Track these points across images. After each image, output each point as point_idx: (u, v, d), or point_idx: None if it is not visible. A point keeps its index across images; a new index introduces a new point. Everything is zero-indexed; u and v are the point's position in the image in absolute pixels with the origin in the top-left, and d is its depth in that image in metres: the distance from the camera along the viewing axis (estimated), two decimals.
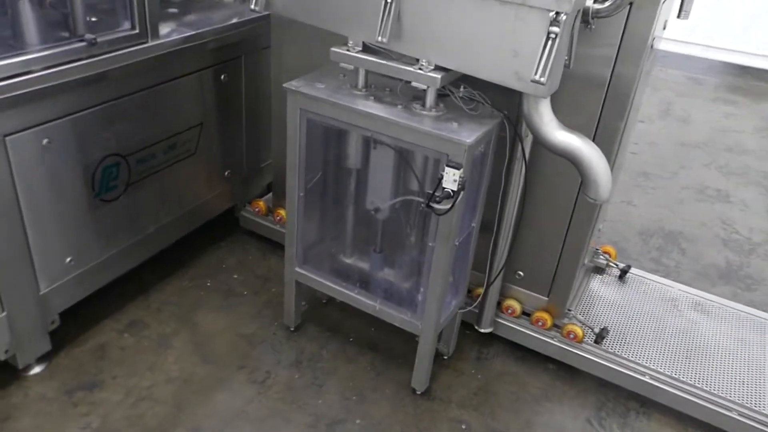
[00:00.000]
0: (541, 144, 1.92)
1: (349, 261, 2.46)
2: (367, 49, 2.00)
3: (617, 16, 1.89)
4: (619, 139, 2.18)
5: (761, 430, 2.17)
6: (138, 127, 2.36)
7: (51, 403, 2.18)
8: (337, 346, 2.55)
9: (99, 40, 2.05)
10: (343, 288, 2.36)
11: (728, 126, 5.08)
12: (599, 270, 2.91)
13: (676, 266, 3.27)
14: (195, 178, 2.77)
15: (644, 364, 2.37)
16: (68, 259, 2.25)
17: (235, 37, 2.62)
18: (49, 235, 2.15)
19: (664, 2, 1.96)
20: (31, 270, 2.13)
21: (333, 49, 2.01)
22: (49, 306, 2.24)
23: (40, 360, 2.30)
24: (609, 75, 2.04)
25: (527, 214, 2.33)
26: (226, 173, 2.95)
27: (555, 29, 1.64)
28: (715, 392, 2.28)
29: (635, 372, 2.35)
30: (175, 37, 2.34)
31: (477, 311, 2.52)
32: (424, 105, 1.99)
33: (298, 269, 2.42)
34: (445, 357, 2.52)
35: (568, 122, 1.92)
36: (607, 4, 1.83)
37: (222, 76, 2.68)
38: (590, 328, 2.48)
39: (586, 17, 1.84)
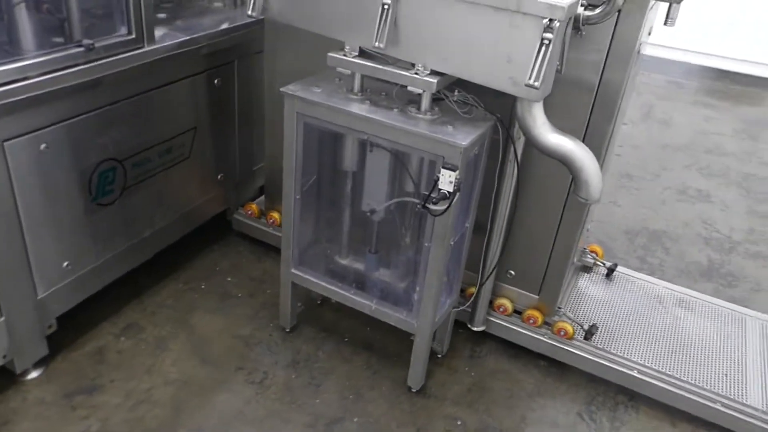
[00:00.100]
0: (534, 146, 1.98)
1: (344, 262, 2.49)
2: (363, 53, 2.05)
3: (606, 23, 1.96)
4: (608, 141, 2.25)
5: (744, 420, 2.26)
6: (133, 132, 2.38)
7: (50, 407, 2.19)
8: (332, 346, 2.59)
9: (95, 45, 2.07)
10: (339, 289, 2.39)
11: (708, 129, 5.21)
12: (587, 269, 2.98)
13: (660, 264, 3.35)
14: (189, 182, 2.79)
15: (632, 359, 2.44)
16: (65, 264, 2.26)
17: (228, 42, 2.65)
18: (46, 240, 2.16)
19: (650, 9, 2.04)
20: (29, 274, 2.13)
21: (330, 54, 2.05)
22: (47, 310, 2.25)
23: (37, 364, 2.30)
24: (598, 80, 2.11)
25: (519, 215, 2.39)
26: (219, 177, 2.97)
27: (548, 36, 1.70)
28: (699, 385, 2.36)
29: (623, 367, 2.42)
30: (170, 42, 2.36)
31: (470, 310, 2.58)
32: (419, 108, 2.04)
33: (294, 271, 2.45)
34: (439, 355, 2.57)
35: (558, 125, 1.98)
36: (597, 11, 1.90)
37: (215, 81, 2.71)
38: (580, 325, 2.54)
39: (577, 24, 1.91)
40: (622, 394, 2.47)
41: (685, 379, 2.37)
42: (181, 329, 2.60)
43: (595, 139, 2.19)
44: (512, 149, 2.19)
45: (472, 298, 2.52)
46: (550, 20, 1.69)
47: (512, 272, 2.55)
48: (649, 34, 2.29)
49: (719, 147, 4.87)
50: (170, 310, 2.69)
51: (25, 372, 2.27)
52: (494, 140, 2.18)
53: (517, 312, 2.60)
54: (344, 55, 2.04)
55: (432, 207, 1.96)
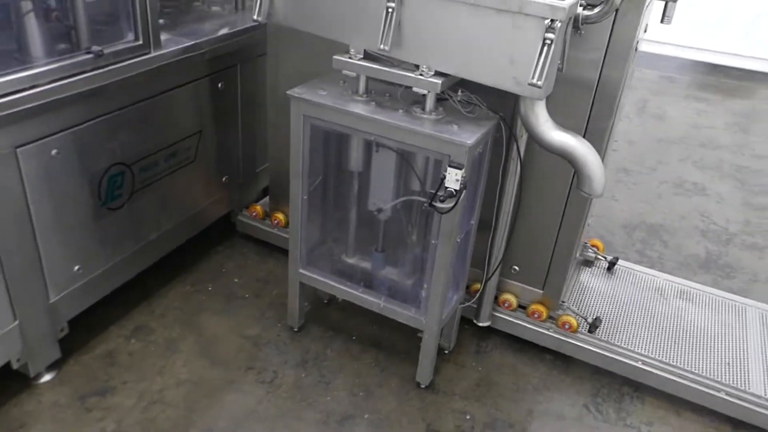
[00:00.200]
0: (537, 143, 2.02)
1: (351, 261, 2.53)
2: (367, 56, 2.08)
3: (604, 22, 2.01)
4: (608, 137, 2.29)
5: (748, 408, 2.31)
6: (141, 136, 2.41)
7: (65, 410, 2.21)
8: (340, 344, 2.63)
9: (104, 51, 2.09)
10: (348, 287, 2.43)
11: (701, 122, 5.28)
12: (588, 263, 3.03)
13: (659, 257, 3.41)
14: (194, 185, 2.82)
15: (636, 350, 2.49)
16: (76, 268, 2.29)
17: (231, 46, 2.68)
18: (58, 244, 2.18)
19: (647, 7, 2.08)
20: (41, 279, 2.16)
21: (336, 57, 2.08)
22: (59, 314, 2.27)
23: (50, 368, 2.32)
24: (597, 77, 2.16)
25: (522, 211, 2.43)
26: (224, 179, 3.00)
27: (550, 36, 1.74)
28: (703, 374, 2.40)
29: (628, 358, 2.46)
30: (175, 47, 2.39)
31: (475, 306, 2.62)
32: (424, 109, 2.08)
33: (302, 271, 2.49)
34: (446, 351, 2.61)
35: (560, 122, 2.02)
36: (595, 10, 1.95)
37: (219, 84, 2.74)
38: (584, 318, 2.59)
39: (576, 23, 1.95)
40: (627, 385, 2.52)
41: (689, 369, 2.42)
42: (190, 331, 2.63)
43: (596, 135, 2.23)
44: (515, 147, 2.23)
45: (477, 294, 2.56)
46: (552, 21, 1.73)
47: (516, 268, 2.59)
48: (645, 31, 2.34)
49: (713, 140, 4.94)
50: (178, 312, 2.72)
51: (39, 375, 2.30)
52: (496, 138, 2.22)
53: (522, 307, 2.64)
54: (349, 58, 2.07)
55: (439, 205, 2.00)
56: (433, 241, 2.15)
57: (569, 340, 2.54)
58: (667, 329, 2.63)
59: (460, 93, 2.12)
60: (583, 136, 2.20)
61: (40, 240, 2.10)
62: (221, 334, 2.63)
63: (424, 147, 2.03)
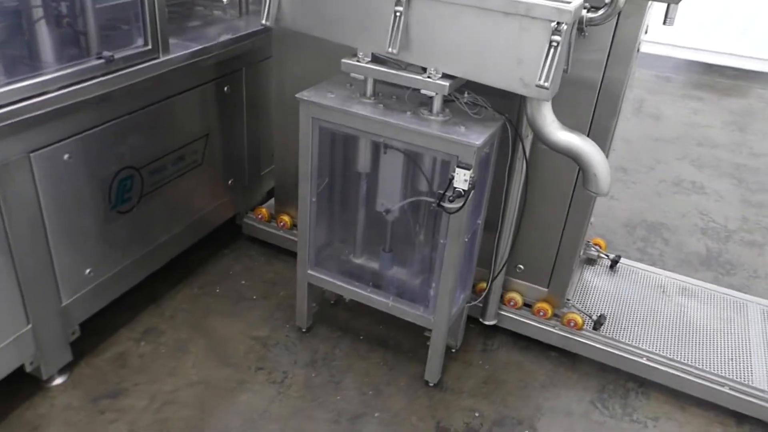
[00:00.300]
0: (544, 143, 2.06)
1: (359, 261, 2.56)
2: (375, 59, 2.11)
3: (607, 24, 2.04)
4: (611, 136, 2.33)
5: (752, 402, 2.34)
6: (150, 140, 2.43)
7: (78, 412, 2.23)
8: (348, 344, 2.65)
9: (115, 57, 2.12)
10: (356, 288, 2.46)
11: (697, 121, 5.33)
12: (591, 261, 3.07)
13: (660, 255, 3.45)
14: (201, 188, 2.84)
15: (640, 346, 2.52)
16: (87, 271, 2.31)
17: (238, 50, 2.71)
18: (69, 248, 2.20)
19: (648, 9, 2.12)
20: (53, 282, 2.18)
21: (344, 60, 2.11)
22: (71, 317, 2.29)
23: (62, 371, 2.34)
24: (600, 78, 2.20)
25: (527, 210, 2.46)
26: (230, 182, 3.02)
27: (557, 38, 1.78)
28: (707, 370, 2.44)
29: (633, 355, 2.50)
30: (183, 52, 2.42)
31: (481, 305, 2.65)
32: (431, 111, 2.11)
33: (310, 272, 2.51)
34: (453, 350, 2.64)
35: (564, 122, 2.06)
36: (599, 12, 1.98)
37: (225, 88, 2.77)
38: (588, 315, 2.62)
39: (580, 25, 1.99)
40: (632, 381, 2.55)
41: (693, 364, 2.45)
42: (199, 332, 2.65)
43: (599, 134, 2.26)
44: (521, 147, 2.26)
45: (484, 293, 2.59)
46: (558, 23, 1.77)
47: (521, 266, 2.63)
48: (646, 32, 2.38)
49: (709, 139, 4.99)
50: (187, 314, 2.74)
51: (51, 378, 2.31)
52: (501, 139, 2.25)
53: (527, 305, 2.67)
54: (357, 61, 2.10)
55: (447, 205, 2.03)
56: (441, 241, 2.18)
57: (574, 338, 2.57)
58: (671, 326, 2.67)
59: (466, 95, 2.16)
60: (587, 136, 2.25)
61: (53, 244, 2.12)
62: (230, 335, 2.65)
63: (432, 148, 2.06)
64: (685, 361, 2.47)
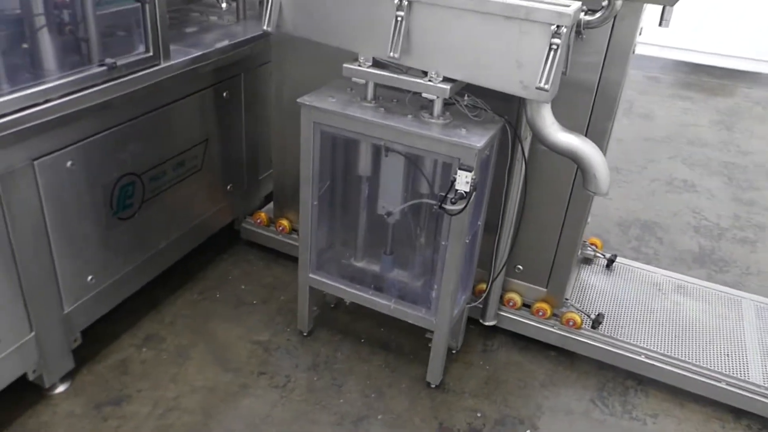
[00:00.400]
0: (544, 145, 2.09)
1: (360, 264, 2.57)
2: (376, 63, 2.13)
3: (604, 27, 2.08)
4: (608, 137, 2.37)
5: (748, 396, 2.38)
6: (150, 146, 2.44)
7: (81, 419, 2.23)
8: (350, 347, 2.66)
9: (117, 63, 2.12)
10: (358, 290, 2.47)
11: (687, 121, 5.40)
12: (588, 261, 3.10)
13: (654, 254, 3.49)
14: (201, 193, 2.85)
15: (638, 344, 2.56)
16: (89, 278, 2.31)
17: (237, 56, 2.72)
18: (72, 255, 2.20)
19: (644, 12, 2.16)
20: (56, 289, 2.18)
21: (346, 65, 2.13)
22: (73, 324, 2.29)
23: (64, 378, 2.33)
24: (597, 79, 2.23)
25: (526, 211, 2.49)
26: (229, 187, 3.03)
27: (556, 41, 1.81)
28: (703, 366, 2.48)
29: (631, 353, 2.53)
30: (184, 58, 2.42)
31: (481, 306, 2.67)
32: (432, 114, 2.13)
33: (312, 275, 2.52)
34: (454, 351, 2.66)
35: (562, 124, 2.08)
36: (596, 15, 2.02)
37: (224, 93, 2.78)
38: (587, 315, 2.66)
39: (578, 28, 2.02)
40: (631, 378, 2.59)
41: (690, 360, 2.49)
42: (200, 338, 2.65)
43: (597, 135, 2.29)
44: (520, 149, 2.29)
45: (484, 294, 2.61)
46: (558, 26, 1.80)
47: (520, 267, 2.65)
48: (640, 34, 2.42)
49: (699, 138, 5.06)
50: (187, 319, 2.75)
51: (53, 386, 2.31)
52: (501, 141, 2.28)
53: (526, 305, 2.70)
54: (359, 66, 2.12)
55: (449, 207, 2.05)
56: (443, 243, 2.20)
57: (573, 337, 2.60)
58: (667, 323, 2.71)
59: (466, 97, 2.18)
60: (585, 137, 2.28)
61: (56, 251, 2.12)
62: (231, 340, 2.65)
63: (433, 151, 2.08)
64: (683, 358, 2.50)
